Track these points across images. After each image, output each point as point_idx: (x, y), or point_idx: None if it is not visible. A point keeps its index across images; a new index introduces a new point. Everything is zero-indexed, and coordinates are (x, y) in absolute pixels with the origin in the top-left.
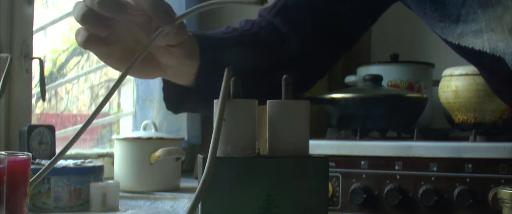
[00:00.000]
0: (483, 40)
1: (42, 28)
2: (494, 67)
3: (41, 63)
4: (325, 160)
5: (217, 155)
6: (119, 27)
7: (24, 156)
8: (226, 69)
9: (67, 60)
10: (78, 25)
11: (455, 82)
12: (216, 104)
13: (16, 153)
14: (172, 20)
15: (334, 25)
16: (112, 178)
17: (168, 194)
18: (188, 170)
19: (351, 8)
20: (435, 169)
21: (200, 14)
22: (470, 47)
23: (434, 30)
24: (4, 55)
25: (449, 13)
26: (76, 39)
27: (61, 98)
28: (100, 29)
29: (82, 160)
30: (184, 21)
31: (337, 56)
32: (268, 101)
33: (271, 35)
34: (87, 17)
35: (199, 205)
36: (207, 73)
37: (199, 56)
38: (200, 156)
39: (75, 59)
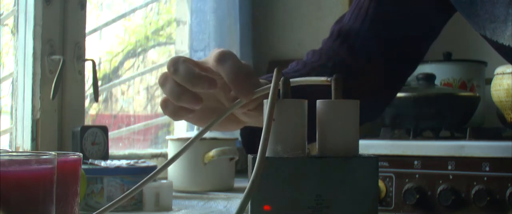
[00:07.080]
0: None
1: (97, 30)
2: None
3: (94, 65)
4: (374, 160)
5: (267, 155)
6: (204, 94)
7: (75, 156)
8: (275, 70)
9: (121, 62)
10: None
11: (507, 81)
12: (266, 104)
13: (67, 153)
14: (250, 95)
15: (399, 49)
16: (166, 178)
17: (222, 194)
18: (243, 170)
19: (415, 29)
20: (487, 169)
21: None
22: None
23: (484, 35)
24: (56, 57)
25: (498, 14)
26: (165, 112)
27: (117, 100)
28: (194, 105)
29: (135, 160)
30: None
31: (404, 78)
32: (317, 101)
33: (338, 65)
34: (180, 95)
35: (249, 205)
36: None
37: None
38: (250, 156)
39: (130, 61)
